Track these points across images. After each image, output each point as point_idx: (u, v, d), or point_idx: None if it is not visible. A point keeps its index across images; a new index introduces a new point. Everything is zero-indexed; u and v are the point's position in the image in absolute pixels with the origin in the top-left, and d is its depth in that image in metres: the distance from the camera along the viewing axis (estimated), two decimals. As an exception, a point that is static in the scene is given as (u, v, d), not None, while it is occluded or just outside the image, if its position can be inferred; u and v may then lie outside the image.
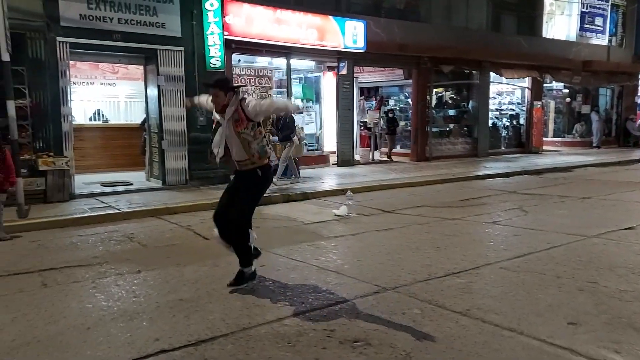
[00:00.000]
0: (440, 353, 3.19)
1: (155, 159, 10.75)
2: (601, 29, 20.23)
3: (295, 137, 10.99)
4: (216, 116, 4.50)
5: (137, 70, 12.78)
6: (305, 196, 9.64)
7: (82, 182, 10.18)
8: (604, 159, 16.00)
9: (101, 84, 13.92)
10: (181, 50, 10.33)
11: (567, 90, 20.98)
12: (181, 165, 10.52)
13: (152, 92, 10.58)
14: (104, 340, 3.49)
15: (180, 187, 10.35)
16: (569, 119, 21.30)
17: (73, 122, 9.90)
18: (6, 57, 7.35)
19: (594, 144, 20.22)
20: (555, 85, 20.46)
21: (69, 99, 9.30)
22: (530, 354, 3.17)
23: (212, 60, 10.57)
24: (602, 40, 20.37)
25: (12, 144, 7.42)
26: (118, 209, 8.21)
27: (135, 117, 12.43)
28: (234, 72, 12.13)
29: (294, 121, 11.05)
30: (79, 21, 9.17)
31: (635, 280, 4.49)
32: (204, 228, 7.19)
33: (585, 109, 20.94)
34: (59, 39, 9.02)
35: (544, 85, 19.08)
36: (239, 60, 12.50)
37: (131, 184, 10.52)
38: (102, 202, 8.85)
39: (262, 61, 13.17)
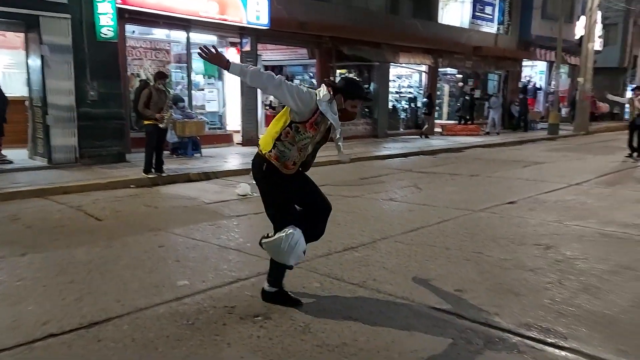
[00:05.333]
0: (337, 323, 3.29)
1: (40, 136, 9.91)
2: (491, 17, 21.63)
3: None
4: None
5: (17, 38, 11.63)
6: (207, 176, 9.41)
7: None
8: (492, 140, 17.22)
9: (-26, 51, 12.49)
10: (68, 18, 9.51)
11: (460, 75, 22.17)
12: (70, 142, 9.78)
13: (35, 62, 9.69)
14: (-18, 329, 3.21)
15: (69, 165, 9.64)
16: (463, 102, 22.40)
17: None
18: None
19: (495, 131, 19.77)
20: (450, 70, 21.53)
21: None
22: (421, 320, 3.37)
23: (103, 30, 9.86)
24: (491, 28, 21.77)
25: None
26: (-3, 189, 7.51)
27: (15, 90, 11.29)
28: (127, 44, 11.46)
29: None
30: (-55, -21, 8.15)
31: (515, 250, 4.91)
32: (97, 208, 6.81)
33: (477, 93, 22.15)
34: None
35: (439, 69, 20.03)
36: (134, 32, 11.80)
37: (11, 162, 9.65)
38: (-22, 182, 8.05)
39: (160, 33, 12.54)
